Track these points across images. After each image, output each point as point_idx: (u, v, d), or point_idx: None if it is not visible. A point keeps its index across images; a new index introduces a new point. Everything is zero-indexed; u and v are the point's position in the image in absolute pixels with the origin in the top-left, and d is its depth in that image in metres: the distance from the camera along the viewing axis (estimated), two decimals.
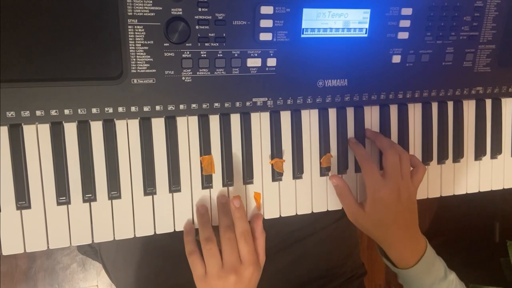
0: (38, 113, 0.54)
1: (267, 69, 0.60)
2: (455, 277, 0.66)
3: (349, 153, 0.68)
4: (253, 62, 0.60)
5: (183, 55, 0.57)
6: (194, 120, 0.61)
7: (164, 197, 0.61)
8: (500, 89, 0.73)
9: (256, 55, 0.59)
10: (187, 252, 0.59)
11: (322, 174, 0.67)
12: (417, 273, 0.64)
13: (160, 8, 0.54)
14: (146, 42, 0.55)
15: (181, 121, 0.60)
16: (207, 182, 0.62)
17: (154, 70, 0.56)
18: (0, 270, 1.38)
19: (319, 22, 0.60)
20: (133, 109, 0.57)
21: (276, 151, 0.64)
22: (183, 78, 0.58)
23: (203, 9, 0.55)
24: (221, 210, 0.61)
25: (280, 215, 0.66)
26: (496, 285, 1.24)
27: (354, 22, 0.62)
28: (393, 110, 0.70)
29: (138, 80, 0.56)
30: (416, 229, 0.65)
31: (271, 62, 0.60)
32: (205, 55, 0.57)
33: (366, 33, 0.63)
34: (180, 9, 0.55)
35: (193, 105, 0.59)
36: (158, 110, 0.58)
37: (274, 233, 0.77)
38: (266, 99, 0.62)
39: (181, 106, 0.59)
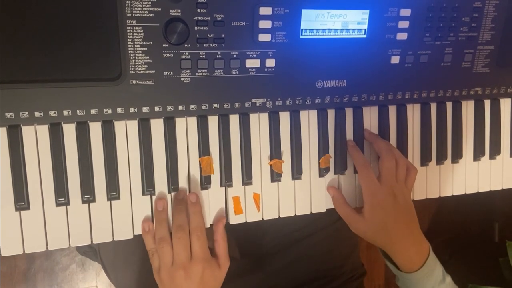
0: (37, 114, 0.54)
1: (266, 70, 0.60)
2: (450, 280, 0.66)
3: (348, 154, 0.68)
4: (252, 63, 0.60)
5: (182, 56, 0.57)
6: (193, 121, 0.61)
7: (163, 198, 0.61)
8: (498, 90, 0.74)
9: (255, 56, 0.59)
10: (148, 248, 0.60)
11: (321, 175, 0.67)
12: (421, 276, 0.63)
13: (159, 9, 0.54)
14: (145, 43, 0.55)
15: (180, 122, 0.60)
16: (206, 183, 0.62)
17: (153, 71, 0.56)
18: None
19: (318, 23, 0.60)
20: (132, 110, 0.57)
21: (275, 152, 0.64)
22: (182, 79, 0.58)
23: (202, 10, 0.55)
24: (176, 207, 0.60)
25: (279, 216, 0.66)
26: (495, 285, 1.24)
27: (353, 23, 0.62)
28: (392, 110, 0.70)
29: (137, 81, 0.56)
30: (419, 232, 0.65)
31: (270, 63, 0.60)
32: (204, 56, 0.57)
33: (365, 34, 0.63)
34: (179, 10, 0.55)
35: (192, 106, 0.59)
36: (157, 111, 0.58)
37: (273, 234, 0.77)
38: (265, 100, 0.62)
39: (180, 107, 0.59)
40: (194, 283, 0.57)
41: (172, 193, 0.61)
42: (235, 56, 0.59)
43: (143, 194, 0.60)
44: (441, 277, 0.65)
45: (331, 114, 0.67)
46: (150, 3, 0.53)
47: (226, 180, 0.62)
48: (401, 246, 0.64)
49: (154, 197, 0.60)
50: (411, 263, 0.64)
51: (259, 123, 0.64)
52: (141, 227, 0.60)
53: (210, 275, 0.59)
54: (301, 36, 0.60)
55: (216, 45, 0.57)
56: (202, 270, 0.58)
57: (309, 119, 0.66)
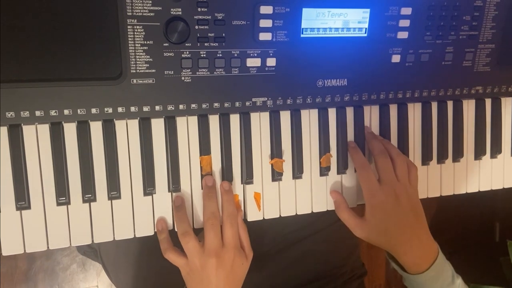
0: (37, 113, 0.54)
1: (266, 69, 0.60)
2: (461, 281, 0.64)
3: (348, 154, 0.68)
4: (253, 62, 0.60)
5: (182, 55, 0.57)
6: (193, 120, 0.61)
7: (163, 197, 0.61)
8: (499, 89, 0.73)
9: (255, 55, 0.59)
10: (162, 250, 0.60)
11: (322, 174, 0.67)
12: (427, 278, 0.62)
13: (160, 8, 0.54)
14: (145, 42, 0.55)
15: (180, 121, 0.60)
16: None
17: (153, 70, 0.56)
18: (0, 271, 1.38)
19: (319, 22, 0.60)
20: (132, 109, 0.57)
21: (275, 151, 0.64)
22: (183, 78, 0.58)
23: (202, 9, 0.55)
24: (207, 193, 0.60)
25: (280, 215, 0.66)
26: (496, 284, 1.24)
27: (354, 21, 0.62)
28: (393, 109, 0.70)
29: (138, 80, 0.56)
30: (426, 232, 0.63)
31: (271, 62, 0.60)
32: (204, 55, 0.57)
33: (365, 33, 0.63)
34: (180, 9, 0.55)
35: (193, 105, 0.59)
36: (158, 110, 0.58)
37: (274, 234, 0.77)
38: (266, 99, 0.62)
39: (181, 106, 0.59)
40: (225, 272, 0.57)
41: (202, 179, 0.62)
42: (235, 55, 0.59)
43: (144, 193, 0.60)
44: (450, 279, 0.63)
45: (332, 113, 0.67)
46: (150, 2, 0.53)
47: (227, 179, 0.62)
48: (405, 248, 0.62)
49: (155, 196, 0.60)
50: (416, 265, 0.62)
51: (260, 122, 0.64)
52: (156, 228, 0.60)
53: (240, 264, 0.59)
54: (301, 35, 0.60)
55: (217, 44, 0.57)
56: (233, 258, 0.58)
57: (310, 118, 0.66)
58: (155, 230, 0.61)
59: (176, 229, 0.60)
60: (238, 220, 0.61)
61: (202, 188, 0.62)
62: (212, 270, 0.57)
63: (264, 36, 0.58)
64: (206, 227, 0.58)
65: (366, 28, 0.62)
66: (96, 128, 0.57)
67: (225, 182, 0.61)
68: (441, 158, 0.73)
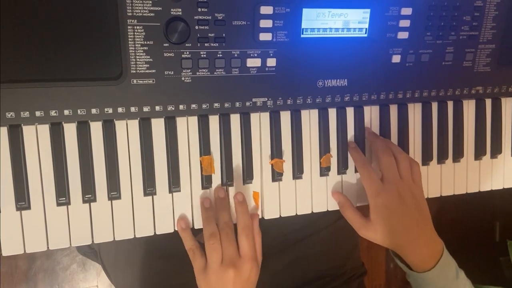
0: (37, 113, 0.54)
1: (266, 69, 0.60)
2: (464, 275, 0.64)
3: (349, 154, 0.68)
4: (253, 62, 0.59)
5: (182, 55, 0.56)
6: (193, 120, 0.61)
7: (164, 198, 0.61)
8: (500, 89, 0.73)
9: (255, 55, 0.59)
10: (187, 247, 0.60)
11: (322, 174, 0.67)
12: (433, 276, 0.61)
13: (160, 8, 0.54)
14: (145, 42, 0.55)
15: (180, 122, 0.60)
16: (207, 182, 0.62)
17: (153, 71, 0.56)
18: (0, 270, 1.38)
19: (319, 22, 0.60)
20: (132, 109, 0.57)
21: (276, 151, 0.64)
22: (183, 78, 0.57)
23: (202, 9, 0.55)
24: (219, 205, 0.61)
25: (280, 215, 0.66)
26: (496, 284, 1.24)
27: (354, 22, 0.61)
28: (393, 110, 0.70)
29: (138, 81, 0.56)
30: (432, 230, 0.63)
31: (271, 62, 0.60)
32: (204, 55, 0.57)
33: (366, 33, 0.63)
34: (180, 9, 0.55)
35: (193, 106, 0.59)
36: (158, 111, 0.58)
37: (274, 234, 0.77)
38: (266, 99, 0.62)
39: (181, 107, 0.59)
40: (241, 282, 0.57)
41: (213, 191, 0.62)
42: (236, 55, 0.59)
43: (144, 193, 0.60)
44: (454, 274, 0.63)
45: (332, 113, 0.67)
46: (150, 2, 0.53)
47: (227, 179, 0.62)
48: (413, 247, 0.62)
49: (155, 197, 0.60)
50: (423, 263, 0.62)
51: (260, 122, 0.64)
52: (177, 226, 0.61)
53: (255, 274, 0.59)
54: (302, 35, 0.60)
55: (217, 44, 0.57)
56: (250, 269, 0.57)
57: (310, 119, 0.66)
58: (155, 231, 0.61)
59: (203, 229, 0.60)
60: (254, 225, 0.61)
61: (202, 189, 0.62)
62: (229, 280, 0.57)
63: (264, 36, 0.58)
64: (221, 236, 0.58)
65: (366, 28, 0.62)
66: (96, 129, 0.57)
67: (239, 193, 0.61)
68: (441, 158, 0.73)
